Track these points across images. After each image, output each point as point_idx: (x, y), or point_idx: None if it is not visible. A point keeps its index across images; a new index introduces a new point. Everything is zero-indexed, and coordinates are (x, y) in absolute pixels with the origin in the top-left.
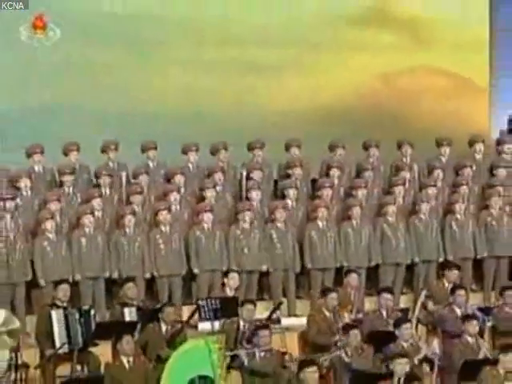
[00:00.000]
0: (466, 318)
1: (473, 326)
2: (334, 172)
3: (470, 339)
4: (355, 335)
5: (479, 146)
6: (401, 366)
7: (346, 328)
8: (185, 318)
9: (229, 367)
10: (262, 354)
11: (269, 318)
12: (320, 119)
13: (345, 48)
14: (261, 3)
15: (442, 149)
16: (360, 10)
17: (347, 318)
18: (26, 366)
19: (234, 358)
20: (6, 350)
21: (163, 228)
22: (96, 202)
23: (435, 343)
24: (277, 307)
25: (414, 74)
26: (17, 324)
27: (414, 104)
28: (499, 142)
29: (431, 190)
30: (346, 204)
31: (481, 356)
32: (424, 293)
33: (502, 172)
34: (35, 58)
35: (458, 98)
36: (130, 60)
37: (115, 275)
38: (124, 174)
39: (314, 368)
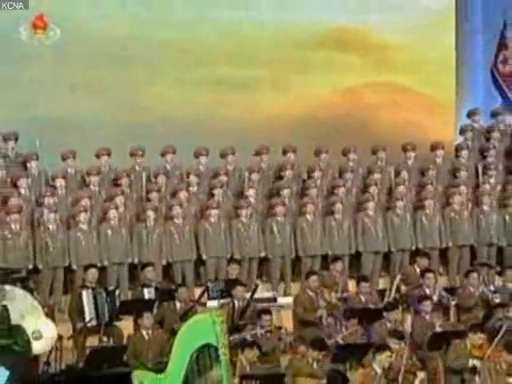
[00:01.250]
0: (421, 298)
1: (427, 306)
2: (318, 174)
3: (426, 316)
4: (354, 324)
5: (439, 152)
6: (394, 345)
7: (349, 315)
8: (195, 296)
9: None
10: (263, 333)
11: (251, 297)
12: (293, 128)
13: (315, 67)
14: (242, 30)
15: (408, 153)
16: (329, 33)
17: (333, 297)
18: (60, 337)
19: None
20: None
21: (176, 221)
22: (118, 199)
23: (408, 320)
24: (255, 290)
25: (379, 89)
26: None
27: (381, 116)
28: (458, 149)
29: (401, 189)
30: (329, 201)
31: (437, 330)
32: (399, 276)
33: (463, 174)
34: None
35: (424, 112)
36: (128, 78)
37: (136, 261)
38: (144, 175)
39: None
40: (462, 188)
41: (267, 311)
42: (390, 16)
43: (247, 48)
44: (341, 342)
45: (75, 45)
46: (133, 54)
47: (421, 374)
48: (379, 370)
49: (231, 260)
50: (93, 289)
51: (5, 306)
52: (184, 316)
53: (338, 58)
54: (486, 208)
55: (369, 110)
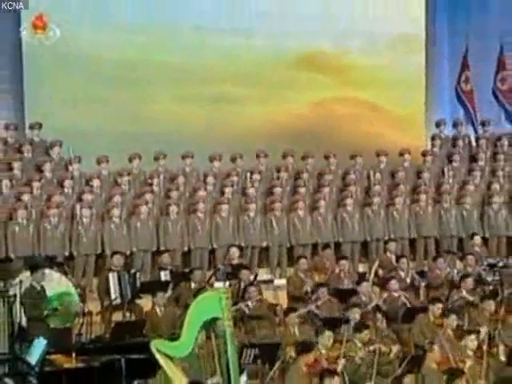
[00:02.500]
0: (387, 279)
1: (393, 284)
2: (306, 175)
3: (394, 294)
4: (323, 292)
5: (407, 156)
6: (354, 314)
7: (317, 286)
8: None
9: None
10: (254, 303)
11: (252, 283)
12: (274, 136)
13: (294, 85)
14: (241, 54)
15: (380, 158)
16: (306, 57)
17: (323, 278)
18: (90, 313)
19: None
20: None
21: (200, 214)
22: (148, 197)
23: (384, 297)
24: (256, 276)
25: (355, 105)
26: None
27: (350, 126)
28: (424, 154)
29: (377, 188)
30: (315, 198)
31: (399, 304)
32: (377, 262)
33: (426, 175)
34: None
35: (397, 124)
36: (134, 95)
37: (161, 248)
38: (162, 176)
39: (296, 314)
40: (425, 187)
41: (251, 284)
42: (370, 42)
43: (242, 69)
44: (315, 311)
45: (90, 65)
46: (141, 74)
47: (395, 348)
48: (359, 344)
49: (233, 245)
50: (118, 272)
51: (42, 287)
52: (196, 294)
53: (318, 78)
54: (445, 205)
55: (345, 121)
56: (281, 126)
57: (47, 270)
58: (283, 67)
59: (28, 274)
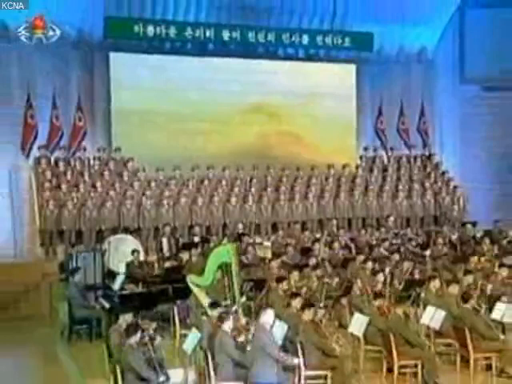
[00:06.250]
0: (330, 244)
1: (337, 248)
2: (285, 179)
3: (339, 251)
4: (290, 250)
5: (349, 168)
6: (312, 261)
7: (286, 245)
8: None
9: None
10: (251, 257)
11: (249, 244)
12: (233, 155)
13: (245, 123)
14: (211, 105)
15: (330, 169)
16: (253, 105)
17: (293, 241)
18: (151, 262)
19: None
20: None
21: (216, 203)
22: (185, 192)
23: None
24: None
25: (282, 136)
26: None
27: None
28: (357, 167)
29: (328, 187)
30: (293, 193)
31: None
32: (326, 232)
33: (358, 180)
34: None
35: (338, 148)
36: (171, 131)
37: (193, 223)
38: (196, 180)
39: (278, 260)
40: (357, 187)
41: (252, 245)
42: (315, 99)
43: (216, 114)
44: (290, 262)
45: (147, 112)
46: (174, 119)
47: (335, 280)
48: (315, 278)
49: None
50: (168, 237)
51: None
52: (214, 248)
53: (263, 119)
54: (370, 198)
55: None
56: (238, 149)
57: (124, 235)
58: (241, 112)
59: (113, 237)
